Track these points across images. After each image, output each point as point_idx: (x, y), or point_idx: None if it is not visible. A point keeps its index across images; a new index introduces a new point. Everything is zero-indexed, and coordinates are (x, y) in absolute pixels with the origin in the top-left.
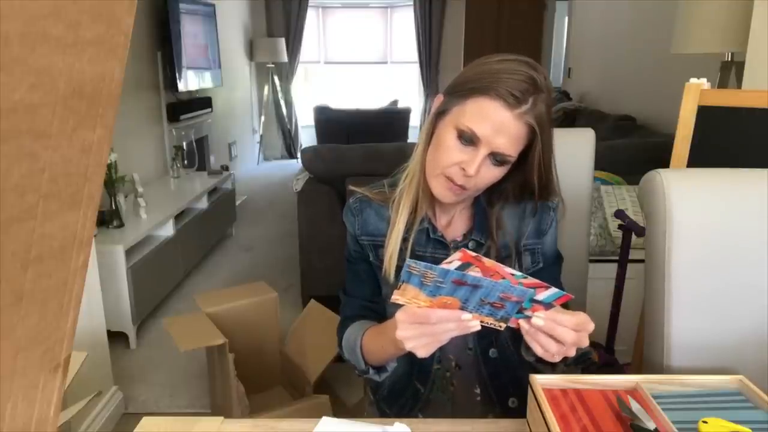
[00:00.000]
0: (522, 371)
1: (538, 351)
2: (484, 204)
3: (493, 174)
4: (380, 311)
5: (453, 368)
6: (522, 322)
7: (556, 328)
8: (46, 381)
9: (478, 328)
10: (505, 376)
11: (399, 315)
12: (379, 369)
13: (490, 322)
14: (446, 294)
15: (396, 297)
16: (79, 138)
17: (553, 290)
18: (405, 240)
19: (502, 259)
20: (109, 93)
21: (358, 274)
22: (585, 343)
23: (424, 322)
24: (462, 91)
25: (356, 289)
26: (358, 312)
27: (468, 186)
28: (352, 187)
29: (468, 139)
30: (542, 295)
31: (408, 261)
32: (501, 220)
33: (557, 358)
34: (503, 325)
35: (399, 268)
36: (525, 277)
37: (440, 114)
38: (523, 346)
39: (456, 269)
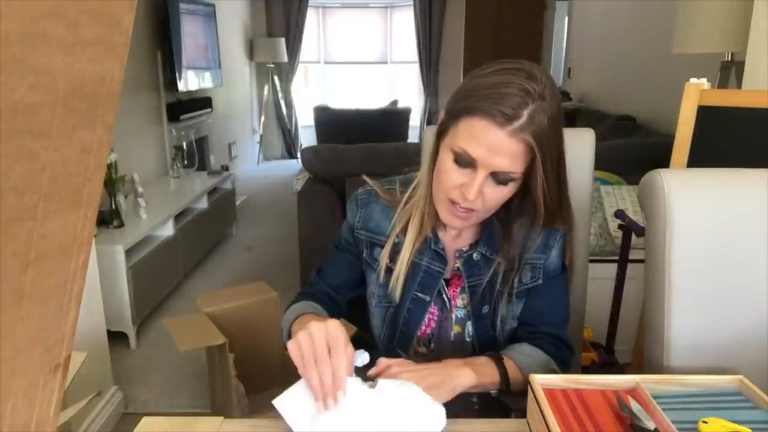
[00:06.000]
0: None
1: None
2: (494, 217)
3: (501, 194)
4: (340, 302)
5: None
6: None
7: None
8: (46, 381)
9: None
10: None
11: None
12: None
13: None
14: None
15: None
16: (79, 138)
17: None
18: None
19: (506, 272)
20: (109, 93)
21: (337, 261)
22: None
23: (310, 358)
24: (454, 110)
25: (329, 274)
26: (319, 296)
27: (476, 208)
28: (365, 177)
29: (465, 161)
30: None
31: None
32: (510, 233)
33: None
34: None
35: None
36: None
37: (440, 134)
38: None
39: None
